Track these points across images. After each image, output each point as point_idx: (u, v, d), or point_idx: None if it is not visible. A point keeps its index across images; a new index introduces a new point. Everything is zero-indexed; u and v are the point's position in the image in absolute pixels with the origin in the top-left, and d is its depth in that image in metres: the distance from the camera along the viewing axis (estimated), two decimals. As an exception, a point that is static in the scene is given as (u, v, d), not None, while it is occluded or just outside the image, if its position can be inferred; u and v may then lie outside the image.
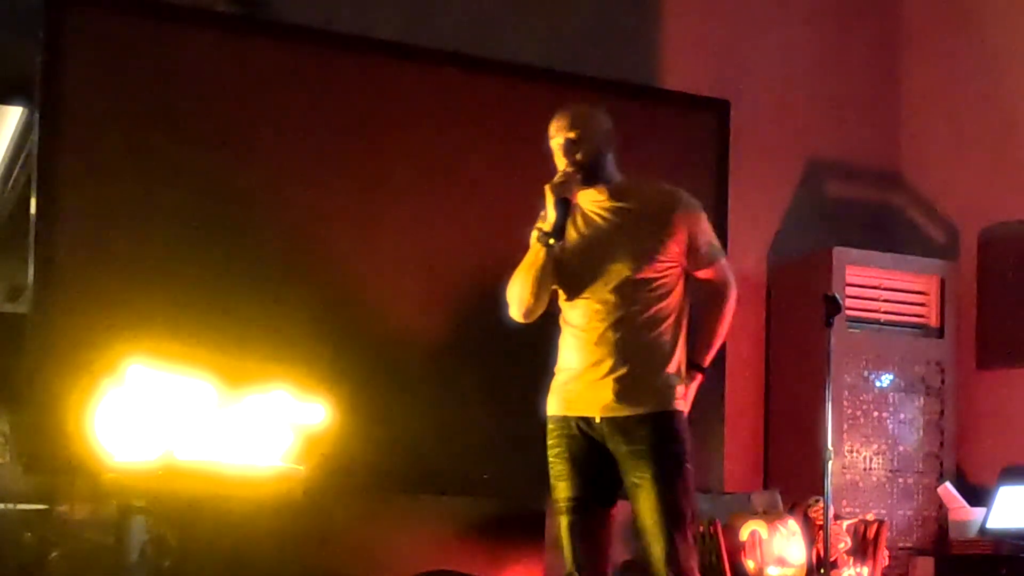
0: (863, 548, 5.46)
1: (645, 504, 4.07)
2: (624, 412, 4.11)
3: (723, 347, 6.00)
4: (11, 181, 6.16)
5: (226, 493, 4.09)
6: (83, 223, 5.03)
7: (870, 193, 6.91)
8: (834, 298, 4.98)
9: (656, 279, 4.15)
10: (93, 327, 4.90)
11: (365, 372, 5.29)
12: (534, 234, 4.20)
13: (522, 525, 5.59)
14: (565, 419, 4.19)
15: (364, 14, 5.70)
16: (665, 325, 4.17)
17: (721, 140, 6.14)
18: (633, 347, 4.12)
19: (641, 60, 6.36)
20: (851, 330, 6.23)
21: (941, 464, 6.39)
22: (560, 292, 4.22)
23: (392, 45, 5.62)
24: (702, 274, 4.28)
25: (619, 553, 5.99)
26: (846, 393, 6.19)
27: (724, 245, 6.02)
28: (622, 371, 4.11)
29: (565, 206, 4.15)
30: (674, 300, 4.20)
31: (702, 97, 6.17)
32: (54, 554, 4.83)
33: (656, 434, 4.09)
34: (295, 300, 5.24)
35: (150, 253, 5.07)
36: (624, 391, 4.11)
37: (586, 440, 4.16)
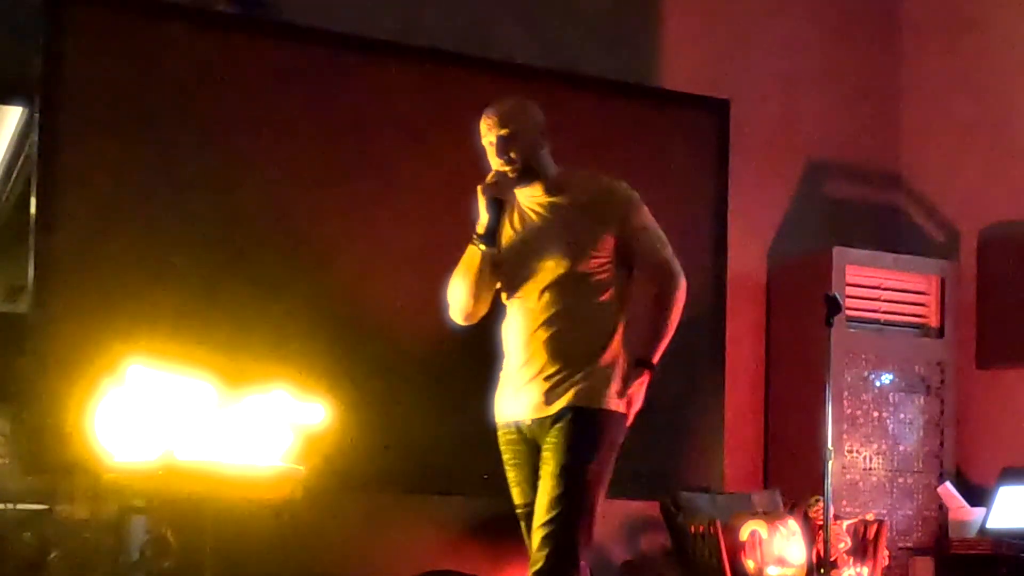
0: (863, 548, 5.46)
1: (539, 497, 3.94)
2: (548, 412, 3.99)
3: (723, 347, 6.06)
4: (11, 181, 6.16)
5: (226, 493, 4.09)
6: (83, 223, 5.03)
7: (870, 193, 6.91)
8: (834, 298, 4.98)
9: (592, 274, 4.02)
10: (93, 327, 4.90)
11: (365, 372, 5.29)
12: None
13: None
14: (507, 425, 4.13)
15: (364, 14, 5.70)
16: (600, 322, 4.04)
17: (721, 140, 6.14)
18: (565, 345, 4.00)
19: (641, 60, 6.36)
20: (851, 330, 6.22)
21: (941, 464, 6.39)
22: (501, 293, 4.15)
23: (392, 45, 5.62)
24: (646, 267, 4.12)
25: (619, 553, 6.01)
26: (846, 393, 6.19)
27: (724, 245, 6.08)
28: (551, 370, 4.00)
29: (498, 207, 4.06)
30: (610, 295, 4.06)
31: (702, 97, 6.16)
32: (54, 554, 4.83)
33: (569, 429, 3.93)
34: (295, 300, 5.24)
35: (150, 253, 5.07)
36: (551, 390, 3.99)
37: (526, 444, 4.08)
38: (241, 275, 5.19)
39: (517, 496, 4.11)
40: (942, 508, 6.25)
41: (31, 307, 4.98)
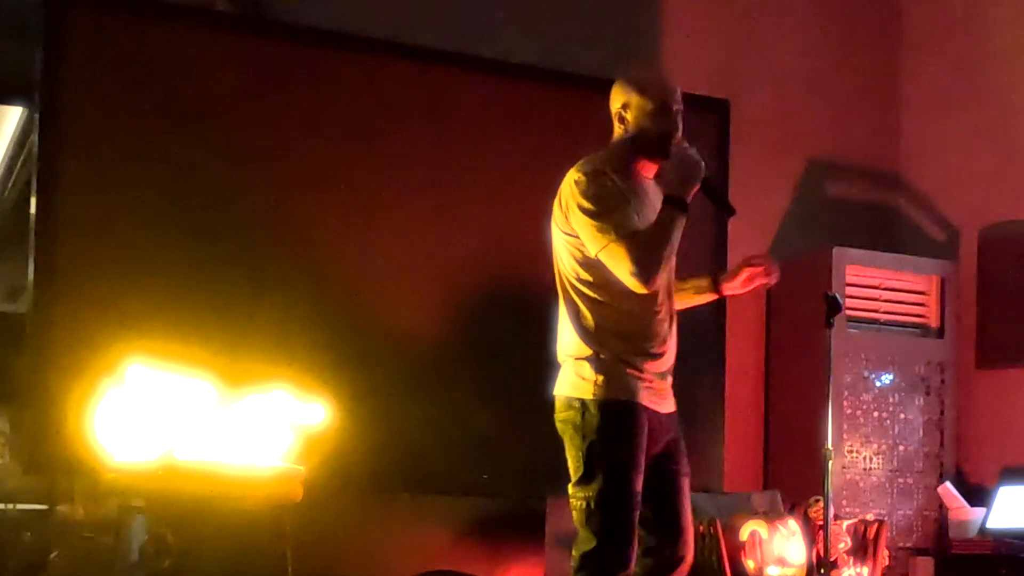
0: (863, 548, 5.46)
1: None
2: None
3: (723, 347, 6.07)
4: (11, 181, 6.17)
5: (226, 493, 4.08)
6: (83, 223, 5.04)
7: (870, 193, 6.91)
8: (834, 298, 4.97)
9: None
10: (93, 327, 4.90)
11: (365, 372, 5.29)
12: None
13: (522, 525, 5.59)
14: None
15: (364, 14, 5.70)
16: None
17: (721, 140, 6.14)
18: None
19: (641, 60, 6.36)
20: (851, 330, 6.22)
21: (941, 464, 6.39)
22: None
23: (392, 45, 5.62)
24: None
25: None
26: (846, 393, 6.19)
27: (724, 245, 6.09)
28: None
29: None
30: None
31: (702, 97, 6.16)
32: (54, 554, 4.83)
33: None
34: (295, 300, 5.24)
35: (150, 253, 5.08)
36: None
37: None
38: (242, 275, 5.19)
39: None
40: (942, 508, 6.25)
41: (31, 307, 4.98)
